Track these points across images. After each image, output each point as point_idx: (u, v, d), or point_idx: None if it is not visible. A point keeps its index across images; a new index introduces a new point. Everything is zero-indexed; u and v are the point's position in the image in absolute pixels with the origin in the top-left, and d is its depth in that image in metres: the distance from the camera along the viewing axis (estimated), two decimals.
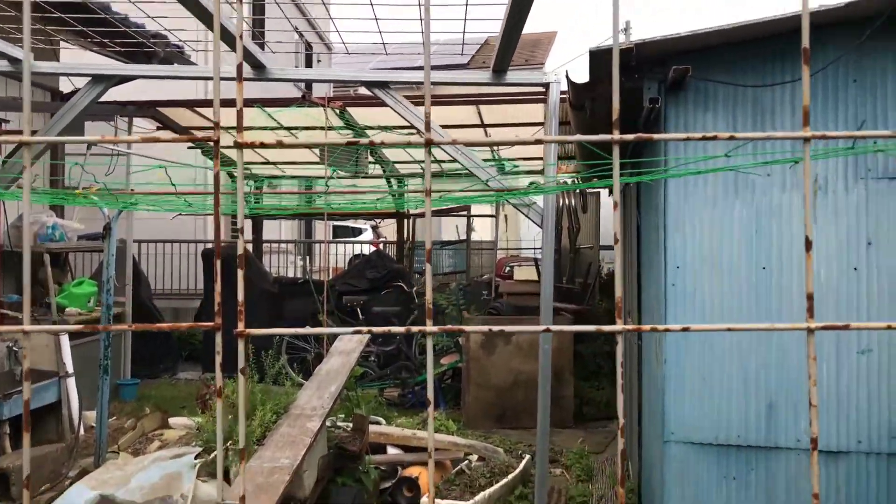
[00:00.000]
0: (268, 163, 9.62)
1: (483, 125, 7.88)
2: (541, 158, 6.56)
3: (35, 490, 4.94)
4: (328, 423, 4.89)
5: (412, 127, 5.16)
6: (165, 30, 6.92)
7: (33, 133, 6.70)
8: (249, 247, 10.83)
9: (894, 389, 3.63)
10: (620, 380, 0.90)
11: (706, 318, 3.76)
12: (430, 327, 0.86)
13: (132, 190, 6.57)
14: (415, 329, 0.88)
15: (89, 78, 4.84)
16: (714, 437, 3.79)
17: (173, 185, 4.89)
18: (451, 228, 15.23)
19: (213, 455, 4.50)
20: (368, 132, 7.46)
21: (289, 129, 7.59)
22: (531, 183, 6.40)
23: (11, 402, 5.39)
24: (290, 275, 14.25)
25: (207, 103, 7.60)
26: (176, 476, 4.39)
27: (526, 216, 4.77)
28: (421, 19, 4.39)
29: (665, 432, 3.84)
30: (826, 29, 3.56)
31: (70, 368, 6.18)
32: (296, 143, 0.94)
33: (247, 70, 4.70)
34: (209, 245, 11.33)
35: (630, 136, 0.87)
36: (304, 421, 4.41)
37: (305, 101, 6.89)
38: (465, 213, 11.58)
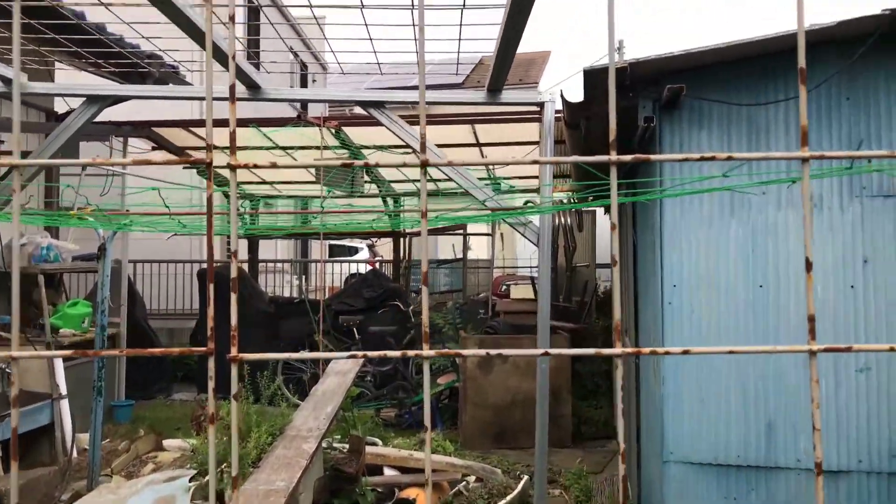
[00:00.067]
0: (263, 182, 9.62)
1: (478, 144, 7.89)
2: (536, 177, 6.56)
3: None
4: (324, 445, 4.85)
5: (408, 146, 5.16)
6: (160, 50, 6.94)
7: (26, 154, 6.70)
8: (245, 267, 10.79)
9: (894, 407, 3.61)
10: (621, 404, 0.88)
11: (703, 335, 3.75)
12: (426, 351, 0.84)
13: (127, 210, 6.55)
14: (411, 353, 0.86)
15: (84, 98, 4.84)
16: (713, 458, 3.76)
17: (167, 206, 4.88)
18: (447, 247, 15.24)
19: (206, 478, 4.45)
20: (364, 151, 7.46)
21: (285, 148, 7.59)
22: (527, 202, 6.40)
23: (4, 425, 5.33)
24: (287, 294, 14.23)
25: (203, 123, 7.60)
26: (170, 500, 4.34)
27: (522, 235, 4.77)
28: (416, 39, 4.40)
29: (664, 452, 3.81)
30: (819, 47, 3.58)
31: (63, 390, 6.12)
32: (289, 164, 0.93)
33: (242, 90, 4.70)
34: (205, 265, 11.30)
35: (627, 157, 0.85)
36: (300, 442, 4.37)
37: (301, 120, 6.90)
38: (461, 231, 11.58)
